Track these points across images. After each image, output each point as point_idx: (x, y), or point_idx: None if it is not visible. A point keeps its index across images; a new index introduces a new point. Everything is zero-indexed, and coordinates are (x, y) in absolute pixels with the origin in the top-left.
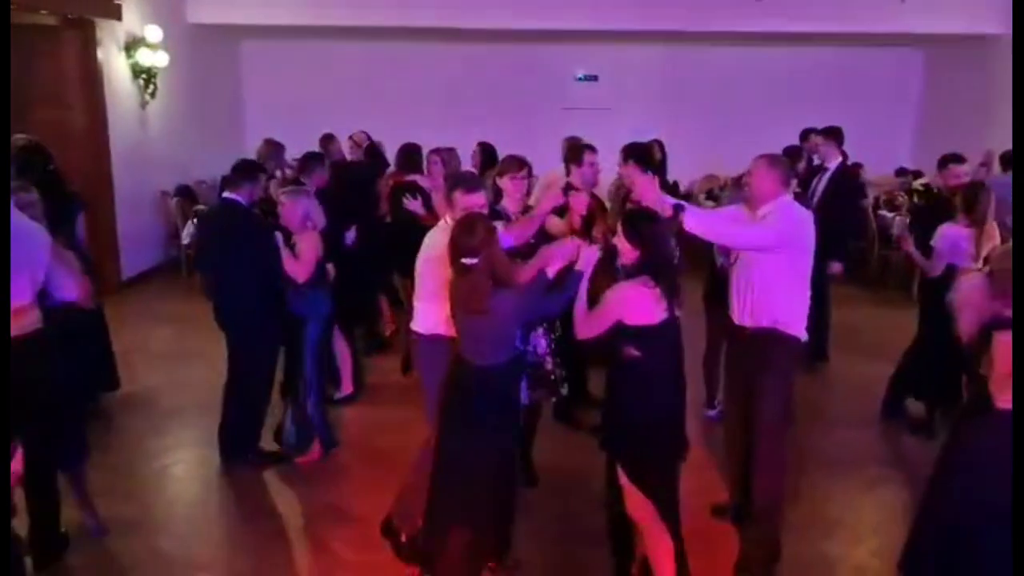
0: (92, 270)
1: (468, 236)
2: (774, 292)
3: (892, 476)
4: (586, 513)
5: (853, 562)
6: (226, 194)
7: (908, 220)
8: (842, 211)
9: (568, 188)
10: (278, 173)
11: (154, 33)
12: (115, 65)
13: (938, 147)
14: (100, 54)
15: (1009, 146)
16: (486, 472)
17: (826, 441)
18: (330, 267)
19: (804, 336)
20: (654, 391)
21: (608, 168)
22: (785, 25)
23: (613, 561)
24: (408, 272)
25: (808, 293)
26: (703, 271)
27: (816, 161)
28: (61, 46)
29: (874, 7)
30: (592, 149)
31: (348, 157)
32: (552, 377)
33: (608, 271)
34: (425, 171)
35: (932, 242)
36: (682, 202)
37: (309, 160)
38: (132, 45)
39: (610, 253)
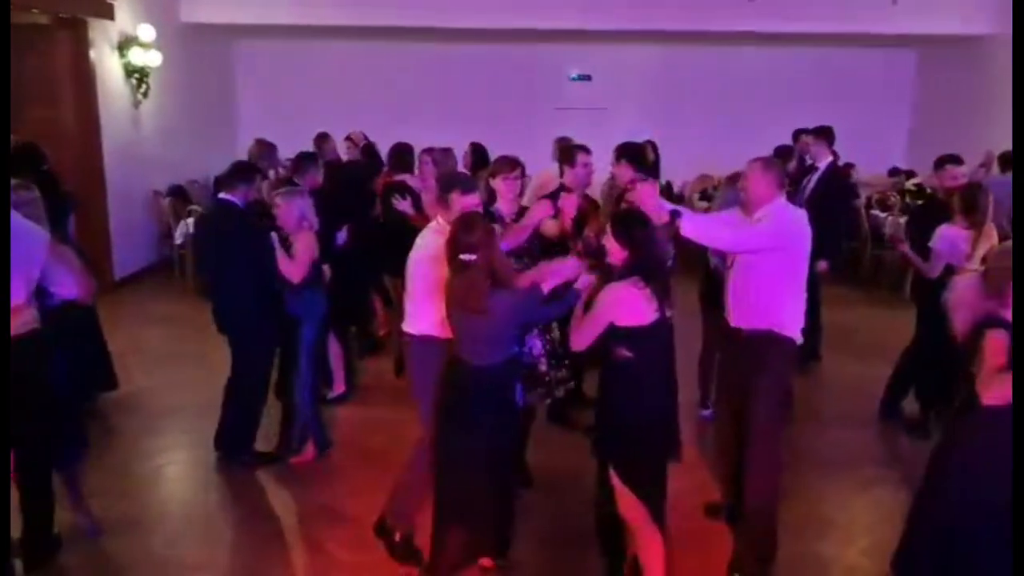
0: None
1: (467, 233)
2: (770, 295)
3: (886, 476)
4: (580, 514)
5: (847, 562)
6: (222, 195)
7: (904, 221)
8: (832, 211)
9: (561, 188)
10: (271, 173)
11: (147, 32)
12: (108, 64)
13: (931, 147)
14: (93, 53)
15: (1003, 146)
16: (483, 472)
17: (820, 441)
18: (326, 268)
19: (799, 338)
20: (645, 392)
21: (601, 168)
22: (778, 25)
23: (604, 561)
24: (398, 272)
25: (804, 295)
26: (698, 272)
27: (808, 161)
28: (53, 45)
29: (867, 8)
30: (585, 149)
31: (344, 157)
32: (547, 379)
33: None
34: (416, 171)
35: (930, 243)
36: (679, 208)
37: (303, 160)
38: (125, 44)
39: (607, 274)
